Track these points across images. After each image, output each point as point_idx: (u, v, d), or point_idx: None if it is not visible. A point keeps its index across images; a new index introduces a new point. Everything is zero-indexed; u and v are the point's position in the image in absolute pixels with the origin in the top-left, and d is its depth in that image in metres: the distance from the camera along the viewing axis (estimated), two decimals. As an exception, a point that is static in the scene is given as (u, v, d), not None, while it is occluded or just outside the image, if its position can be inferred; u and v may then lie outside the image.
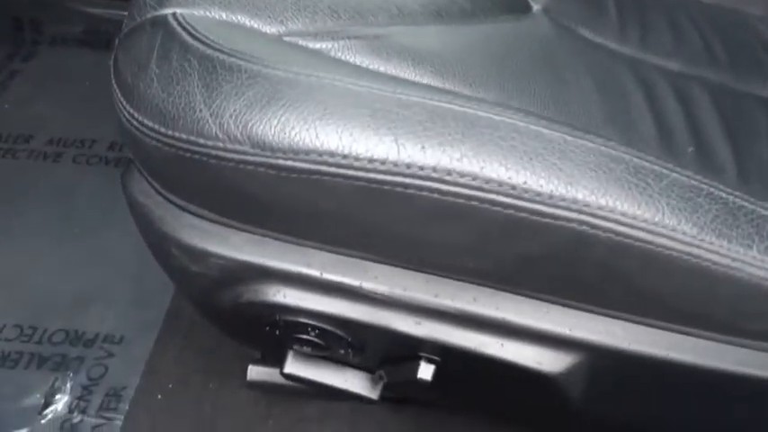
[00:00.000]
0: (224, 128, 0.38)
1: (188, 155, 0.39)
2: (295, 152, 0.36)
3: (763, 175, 0.51)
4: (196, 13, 0.45)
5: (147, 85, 0.42)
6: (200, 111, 0.39)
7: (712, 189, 0.40)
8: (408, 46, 0.46)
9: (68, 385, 0.72)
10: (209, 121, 0.38)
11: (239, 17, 0.45)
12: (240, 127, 0.37)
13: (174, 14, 0.44)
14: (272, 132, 0.36)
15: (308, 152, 0.36)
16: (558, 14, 0.57)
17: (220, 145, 0.38)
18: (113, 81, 0.46)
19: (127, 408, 0.69)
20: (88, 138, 0.97)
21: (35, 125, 0.98)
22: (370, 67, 0.45)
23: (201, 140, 0.38)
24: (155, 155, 0.42)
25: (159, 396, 0.68)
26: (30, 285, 0.80)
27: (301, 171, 0.36)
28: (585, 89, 0.51)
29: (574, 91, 0.50)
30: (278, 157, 0.36)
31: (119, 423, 0.68)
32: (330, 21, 0.46)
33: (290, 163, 0.36)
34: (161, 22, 0.44)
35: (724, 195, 0.40)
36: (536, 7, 0.56)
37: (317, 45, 0.45)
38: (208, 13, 0.45)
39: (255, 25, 0.45)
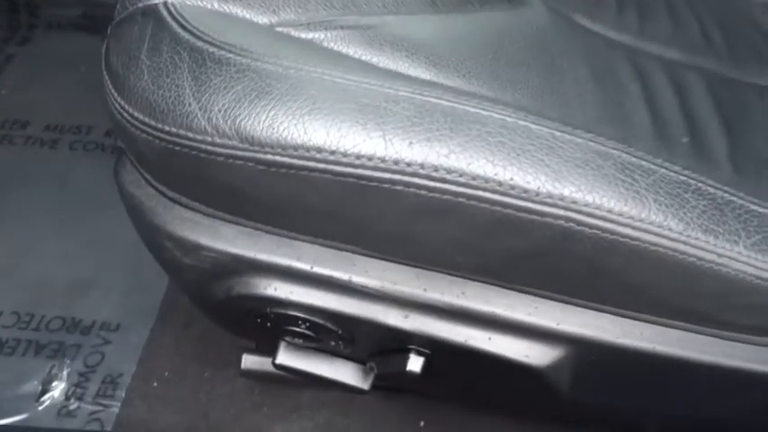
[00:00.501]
0: (213, 122, 0.38)
1: (177, 148, 0.39)
2: (283, 147, 0.36)
3: (758, 167, 0.51)
4: (188, 2, 0.44)
5: (138, 77, 0.42)
6: (190, 104, 0.39)
7: (701, 184, 0.40)
8: (402, 36, 0.46)
9: (65, 372, 0.72)
10: (199, 115, 0.38)
11: (231, 7, 0.44)
12: (229, 122, 0.37)
13: (164, 3, 0.44)
14: (261, 127, 0.37)
15: (295, 147, 0.36)
16: (555, 2, 0.56)
17: (209, 139, 0.38)
18: (104, 71, 0.46)
19: (123, 395, 0.69)
20: (85, 124, 0.97)
21: (31, 111, 0.98)
22: (363, 57, 0.44)
23: (191, 134, 0.38)
24: (145, 147, 0.42)
25: (155, 384, 0.69)
26: (27, 272, 0.80)
27: (289, 166, 0.36)
28: (580, 78, 0.51)
29: (568, 80, 0.50)
30: (266, 153, 0.36)
31: (115, 410, 0.68)
32: (323, 10, 0.45)
33: (278, 158, 0.36)
34: (152, 12, 0.44)
35: (712, 191, 0.40)
36: None
37: (309, 35, 0.45)
38: (199, 3, 0.45)
39: (247, 15, 0.45)
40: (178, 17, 0.43)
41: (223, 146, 0.37)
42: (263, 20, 0.45)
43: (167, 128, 0.39)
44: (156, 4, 0.44)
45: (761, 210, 0.41)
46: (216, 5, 0.44)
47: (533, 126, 0.38)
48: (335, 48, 0.44)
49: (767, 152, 0.52)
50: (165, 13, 0.43)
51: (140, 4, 0.45)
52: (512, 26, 0.52)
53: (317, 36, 0.45)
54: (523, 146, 0.36)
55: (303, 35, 0.45)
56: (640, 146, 0.50)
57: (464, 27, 0.50)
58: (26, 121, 0.97)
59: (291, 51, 0.41)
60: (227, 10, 0.44)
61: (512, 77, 0.48)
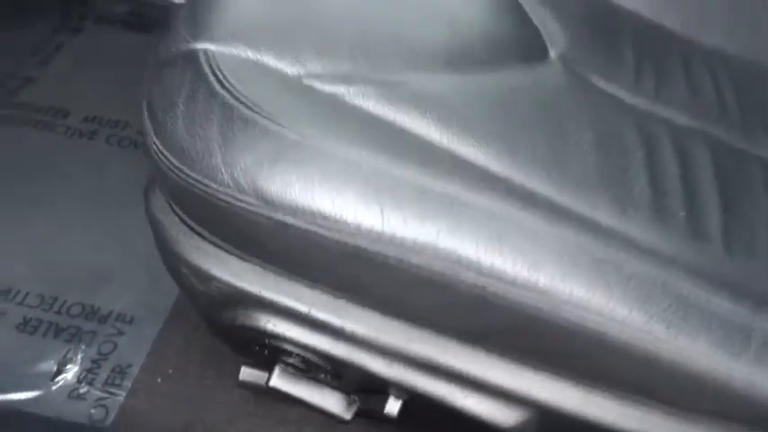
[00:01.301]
0: (234, 178, 0.42)
1: (201, 193, 0.44)
2: (293, 211, 0.41)
3: (751, 245, 0.52)
4: (226, 51, 0.49)
5: (174, 123, 0.46)
6: (216, 158, 0.43)
7: (671, 279, 0.43)
8: (418, 94, 0.49)
9: (80, 357, 0.77)
10: (222, 169, 0.43)
11: (265, 57, 0.48)
12: (249, 180, 0.42)
13: (204, 51, 0.48)
14: (275, 190, 0.41)
15: (303, 212, 0.40)
16: (574, 62, 0.57)
17: (229, 192, 0.42)
18: (145, 107, 0.51)
19: (130, 386, 0.74)
20: (122, 119, 1.01)
21: (74, 101, 1.02)
22: (379, 113, 0.47)
23: (214, 185, 0.43)
24: (173, 184, 0.47)
25: (159, 380, 0.74)
26: (55, 257, 0.85)
27: (297, 228, 0.41)
28: (585, 144, 0.52)
29: (573, 146, 0.51)
30: (277, 213, 0.41)
31: (120, 399, 0.73)
32: (347, 64, 0.49)
33: (288, 219, 0.41)
34: (192, 59, 0.48)
35: (680, 285, 0.43)
36: (553, 54, 0.57)
37: (333, 88, 0.48)
38: (236, 51, 0.48)
39: (278, 66, 0.48)
40: (215, 68, 0.47)
41: (242, 200, 0.42)
42: (291, 70, 0.48)
43: (194, 175, 0.44)
44: (197, 51, 0.48)
45: (726, 305, 0.44)
46: (250, 54, 0.48)
47: (521, 213, 0.41)
48: (355, 102, 0.47)
49: (764, 229, 0.54)
50: (203, 61, 0.47)
51: (183, 49, 0.49)
52: (527, 87, 0.53)
53: (339, 90, 0.48)
54: (508, 233, 0.40)
55: (327, 88, 0.48)
56: (637, 216, 0.52)
57: (479, 87, 0.51)
58: (67, 111, 1.01)
59: (312, 115, 0.45)
60: (260, 59, 0.48)
61: (518, 139, 0.49)
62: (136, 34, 1.13)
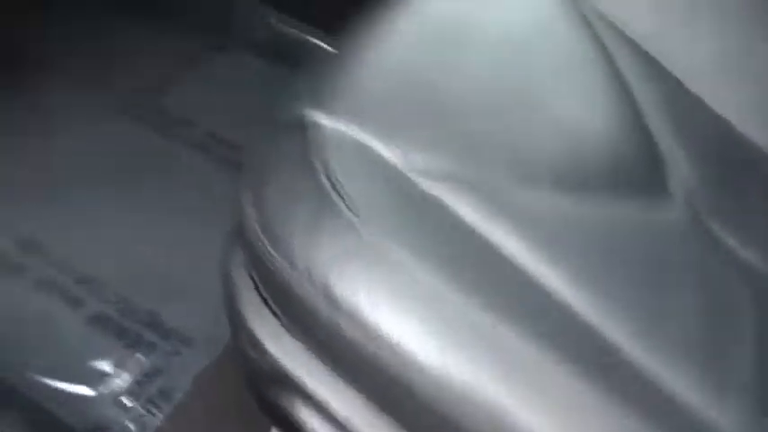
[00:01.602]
0: (308, 268, 0.42)
1: (275, 271, 0.44)
2: (350, 317, 0.40)
3: None
4: (336, 127, 0.48)
5: (266, 191, 0.47)
6: (296, 241, 0.43)
7: None
8: (514, 209, 0.46)
9: (134, 366, 0.79)
10: (300, 256, 0.43)
11: (369, 138, 0.47)
12: (320, 274, 0.42)
13: (316, 124, 0.48)
14: (341, 292, 0.41)
15: (358, 322, 0.40)
16: (694, 201, 0.51)
17: (301, 281, 0.42)
18: (246, 165, 0.51)
19: (171, 409, 0.75)
20: (237, 143, 1.04)
21: (199, 114, 1.06)
22: (470, 221, 0.45)
23: (288, 268, 0.43)
24: (250, 247, 0.47)
25: (200, 413, 0.74)
26: (139, 261, 0.88)
27: (347, 337, 0.41)
28: (687, 303, 0.46)
29: (672, 301, 0.46)
30: (332, 314, 0.41)
31: (158, 422, 0.75)
32: (449, 163, 0.47)
33: (341, 325, 0.41)
34: (303, 128, 0.48)
35: None
36: (672, 188, 0.51)
37: (430, 185, 0.46)
38: (346, 130, 0.48)
39: (383, 153, 0.47)
40: (320, 146, 0.47)
41: (308, 292, 0.42)
42: (392, 158, 0.47)
43: (273, 251, 0.44)
44: (309, 121, 0.48)
45: None
46: (358, 136, 0.47)
47: (576, 381, 0.38)
48: (449, 204, 0.45)
49: None
50: (311, 134, 0.47)
51: (297, 112, 0.50)
52: (636, 224, 0.48)
53: (436, 188, 0.46)
54: (567, 405, 0.37)
55: (422, 183, 0.46)
56: (733, 402, 0.43)
57: (583, 214, 0.47)
58: (193, 123, 1.05)
59: (400, 219, 0.44)
60: (367, 142, 0.47)
61: (609, 282, 0.45)
62: (269, 64, 1.17)
